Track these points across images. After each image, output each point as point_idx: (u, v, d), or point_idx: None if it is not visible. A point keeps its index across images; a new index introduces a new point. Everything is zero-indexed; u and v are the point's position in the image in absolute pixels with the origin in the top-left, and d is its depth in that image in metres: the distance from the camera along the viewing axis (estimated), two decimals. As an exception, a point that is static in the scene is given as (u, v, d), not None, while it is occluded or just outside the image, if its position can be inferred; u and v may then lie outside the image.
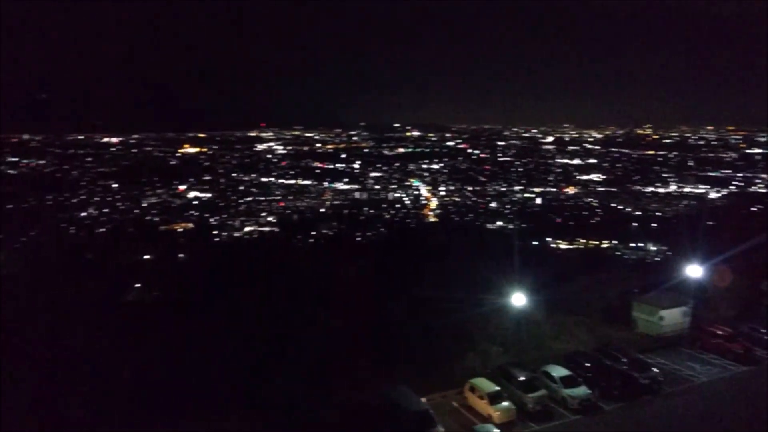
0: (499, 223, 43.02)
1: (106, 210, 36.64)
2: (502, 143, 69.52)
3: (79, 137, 48.58)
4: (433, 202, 48.88)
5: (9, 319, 17.06)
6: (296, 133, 60.85)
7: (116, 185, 40.60)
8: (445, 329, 15.26)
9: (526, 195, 51.58)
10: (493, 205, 48.01)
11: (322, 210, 42.49)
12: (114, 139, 48.89)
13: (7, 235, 30.16)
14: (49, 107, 54.10)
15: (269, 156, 53.07)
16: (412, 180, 52.36)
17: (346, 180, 49.43)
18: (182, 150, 50.04)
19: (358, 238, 36.40)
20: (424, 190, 51.18)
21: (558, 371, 13.03)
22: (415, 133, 66.50)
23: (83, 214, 35.70)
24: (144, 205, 38.40)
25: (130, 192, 39.69)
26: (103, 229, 33.87)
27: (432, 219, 44.59)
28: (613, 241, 44.34)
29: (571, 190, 56.68)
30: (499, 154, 62.25)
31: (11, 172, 40.88)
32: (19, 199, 35.90)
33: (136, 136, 50.40)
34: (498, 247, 27.74)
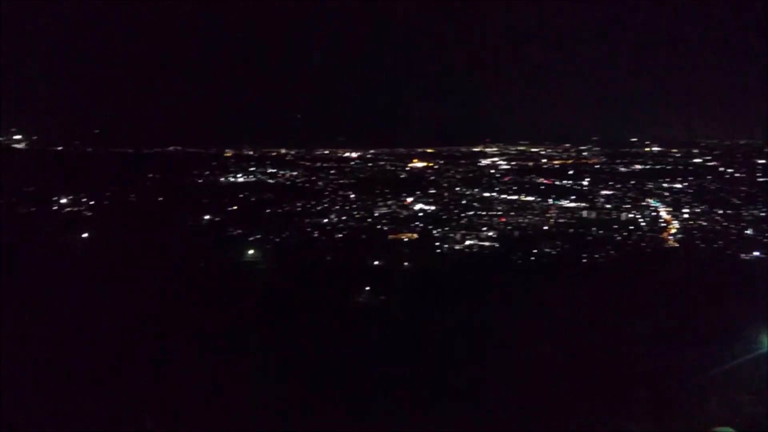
0: (757, 253, 36.67)
1: (344, 218, 40.31)
2: (763, 161, 59.25)
3: (325, 152, 54.48)
4: (674, 226, 43.87)
5: (261, 309, 19.72)
6: (521, 148, 59.84)
7: (353, 195, 44.48)
8: (684, 368, 13.47)
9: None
10: (749, 232, 41.15)
11: (545, 228, 40.98)
12: (354, 154, 53.77)
13: (264, 235, 34.56)
14: (302, 125, 61.61)
15: (492, 171, 53.09)
16: (649, 200, 47.68)
17: (573, 197, 46.95)
18: (411, 164, 52.81)
19: (584, 260, 34.26)
20: (663, 212, 46.23)
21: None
22: (655, 149, 60.38)
23: (325, 220, 39.63)
24: (376, 214, 41.37)
25: (365, 202, 43.17)
26: (341, 235, 37.13)
27: (672, 244, 39.97)
28: None
29: None
30: (758, 174, 53.26)
31: (270, 181, 47.58)
32: (275, 205, 41.58)
33: (372, 151, 54.75)
34: (754, 281, 23.65)
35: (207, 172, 47.00)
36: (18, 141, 48.79)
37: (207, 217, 38.16)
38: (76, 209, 37.19)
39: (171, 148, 52.09)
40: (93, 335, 14.09)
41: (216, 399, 11.98)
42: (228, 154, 51.47)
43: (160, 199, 41.15)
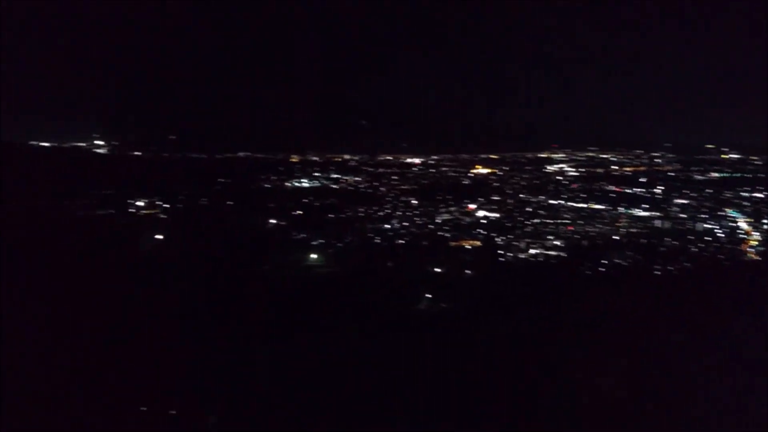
0: None
1: (406, 224, 40.39)
2: None
3: (388, 158, 54.85)
4: (755, 237, 41.29)
5: (322, 313, 20.05)
6: (590, 154, 58.09)
7: (415, 202, 44.53)
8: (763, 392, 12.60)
9: None
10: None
11: (616, 237, 39.56)
12: (416, 160, 53.88)
13: (327, 239, 35.10)
14: (367, 132, 62.26)
15: (559, 178, 51.80)
16: (727, 210, 45.13)
17: (646, 206, 45.13)
18: (474, 170, 52.32)
19: (657, 272, 32.79)
20: (743, 223, 43.64)
21: None
22: (734, 156, 57.22)
23: (387, 226, 39.84)
24: (438, 221, 41.23)
25: (427, 208, 43.12)
26: (402, 241, 37.21)
27: (752, 257, 37.66)
28: None
29: None
30: None
31: (334, 186, 48.36)
32: (338, 210, 42.21)
33: (435, 157, 54.67)
34: None
35: (274, 177, 48.31)
36: (99, 146, 52.02)
37: (273, 221, 39.17)
38: (151, 212, 39.08)
39: (240, 153, 53.96)
40: (167, 332, 14.72)
41: (283, 398, 12.26)
42: (294, 160, 52.76)
43: (230, 203, 42.59)
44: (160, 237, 31.21)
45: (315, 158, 53.64)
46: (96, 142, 51.67)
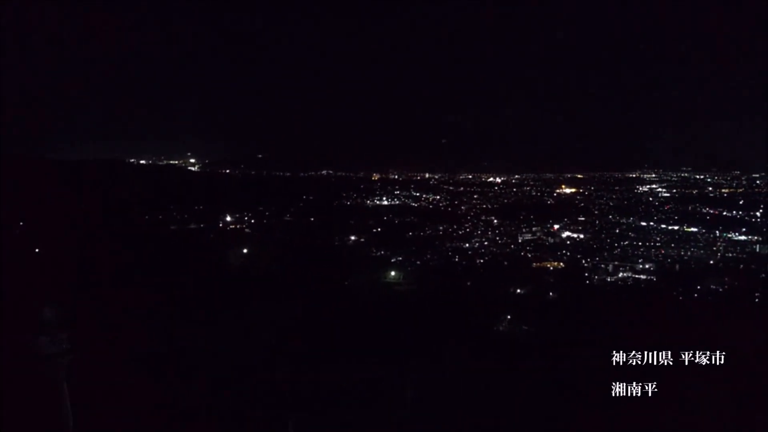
0: None
1: (486, 243, 39.78)
2: None
3: (469, 176, 54.44)
4: None
5: (399, 331, 19.96)
6: (684, 174, 54.98)
7: (497, 221, 43.80)
8: None
9: None
10: None
11: (711, 262, 37.05)
12: (498, 179, 53.13)
13: (407, 257, 35.16)
14: (448, 150, 62.28)
15: (651, 198, 49.31)
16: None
17: (744, 229, 42.04)
18: (559, 190, 50.85)
19: (756, 299, 30.28)
20: None
21: None
22: None
23: (467, 245, 39.42)
24: (520, 241, 40.32)
25: (509, 228, 42.30)
26: (482, 261, 36.65)
27: None
28: None
29: None
30: None
31: (414, 204, 48.55)
32: (418, 228, 42.25)
33: (517, 176, 53.70)
34: None
35: (354, 195, 49.16)
36: (192, 164, 55.17)
37: (353, 237, 39.77)
38: (238, 226, 40.82)
39: (323, 172, 55.40)
40: (249, 344, 15.19)
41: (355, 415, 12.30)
42: (375, 178, 53.49)
43: (312, 219, 43.72)
44: (245, 251, 32.41)
45: (395, 176, 54.10)
46: (190, 160, 54.76)
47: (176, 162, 55.59)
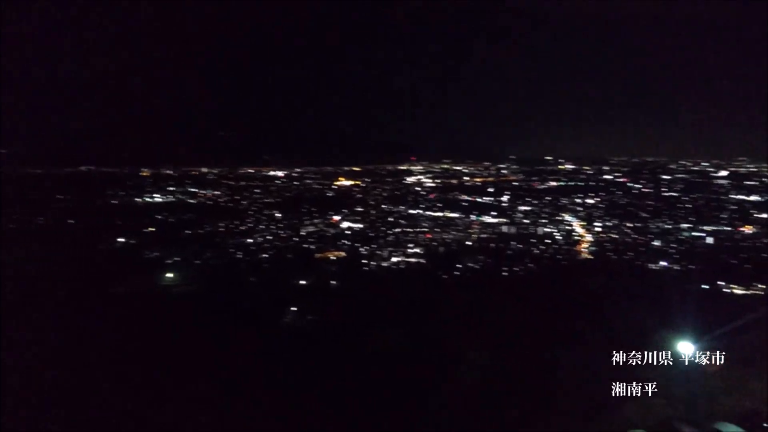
0: (663, 263, 39.16)
1: (270, 237, 39.52)
2: (668, 177, 63.60)
3: (250, 170, 53.52)
4: (587, 239, 46.15)
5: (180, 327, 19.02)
6: (445, 166, 61.39)
7: (279, 215, 43.80)
8: (600, 375, 14.05)
9: (695, 234, 46.56)
10: (657, 243, 43.97)
11: (469, 243, 41.98)
12: (279, 173, 53.16)
13: (185, 257, 33.36)
14: (227, 144, 60.39)
15: (418, 189, 54.03)
16: (564, 215, 50.03)
17: (494, 213, 48.55)
18: (338, 182, 52.84)
19: (505, 273, 35.25)
20: (577, 226, 48.62)
21: (732, 430, 11.22)
22: (569, 166, 63.80)
23: (249, 240, 38.67)
24: (302, 233, 40.88)
25: (291, 221, 42.60)
26: (266, 255, 36.31)
27: (586, 256, 42.00)
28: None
29: (748, 230, 50.18)
30: (663, 189, 57.24)
31: (191, 201, 46.08)
32: (197, 226, 40.20)
33: (298, 169, 54.35)
34: (661, 290, 25.18)
35: (122, 193, 44.98)
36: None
37: (121, 239, 36.35)
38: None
39: (83, 168, 49.58)
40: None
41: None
42: (145, 174, 49.53)
43: (70, 221, 38.76)
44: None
45: (169, 171, 50.72)
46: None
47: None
